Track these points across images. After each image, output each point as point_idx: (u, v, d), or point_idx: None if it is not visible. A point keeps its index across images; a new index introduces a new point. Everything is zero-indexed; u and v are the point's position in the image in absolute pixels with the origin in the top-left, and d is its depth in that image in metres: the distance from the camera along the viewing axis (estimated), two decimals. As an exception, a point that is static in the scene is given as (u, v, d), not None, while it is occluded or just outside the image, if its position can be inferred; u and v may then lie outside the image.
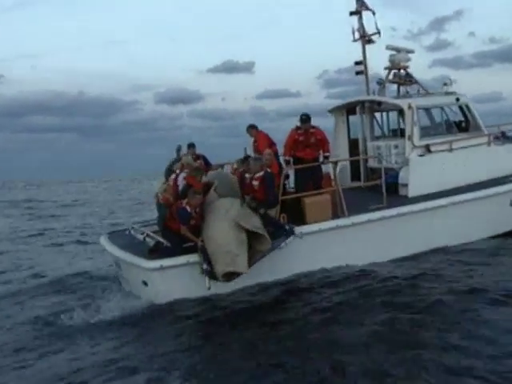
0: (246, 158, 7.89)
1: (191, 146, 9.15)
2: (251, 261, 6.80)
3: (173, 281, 6.87)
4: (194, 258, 6.94)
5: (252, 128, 8.32)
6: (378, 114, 10.51)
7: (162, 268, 6.87)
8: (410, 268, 7.52)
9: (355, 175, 10.21)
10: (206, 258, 6.68)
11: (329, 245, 7.52)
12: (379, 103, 9.98)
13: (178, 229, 6.92)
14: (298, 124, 7.96)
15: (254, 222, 6.84)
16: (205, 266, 6.63)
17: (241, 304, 6.61)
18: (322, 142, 7.93)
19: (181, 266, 6.93)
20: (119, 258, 7.40)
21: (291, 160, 7.94)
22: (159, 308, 6.72)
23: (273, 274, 7.16)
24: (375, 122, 10.50)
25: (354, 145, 10.47)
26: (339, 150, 10.32)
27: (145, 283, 7.00)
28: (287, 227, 7.07)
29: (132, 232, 8.35)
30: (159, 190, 7.43)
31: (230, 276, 6.68)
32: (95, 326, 6.43)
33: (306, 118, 7.92)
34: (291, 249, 7.15)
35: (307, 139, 7.88)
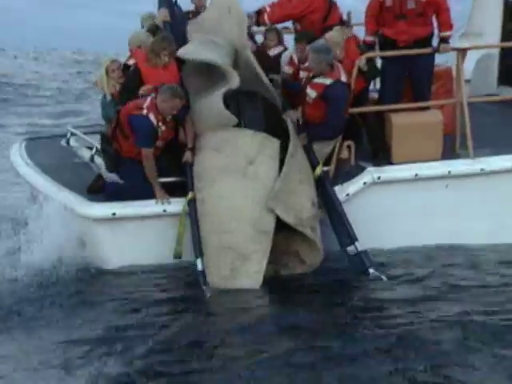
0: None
1: None
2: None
3: (132, 244, 5.55)
4: (174, 205, 5.53)
5: None
6: None
7: (114, 218, 5.52)
8: None
9: (509, 79, 8.04)
10: (198, 238, 5.25)
11: (430, 207, 5.92)
12: None
13: (131, 152, 5.43)
14: None
15: (303, 204, 5.28)
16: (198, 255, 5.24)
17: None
18: (432, 7, 5.90)
19: (151, 217, 5.54)
20: (38, 190, 6.11)
21: (376, 42, 6.16)
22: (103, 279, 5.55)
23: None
24: None
25: None
26: (481, 27, 8.13)
27: (81, 243, 5.67)
28: (356, 245, 5.40)
29: (71, 141, 7.01)
30: (102, 73, 6.13)
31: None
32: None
33: None
34: (358, 201, 5.74)
35: (401, 3, 5.82)
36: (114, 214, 5.43)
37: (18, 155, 6.80)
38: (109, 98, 6.08)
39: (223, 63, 5.54)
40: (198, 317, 4.91)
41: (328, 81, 5.57)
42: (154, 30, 6.30)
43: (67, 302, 5.21)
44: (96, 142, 6.37)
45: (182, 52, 5.70)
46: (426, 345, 4.37)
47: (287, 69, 6.14)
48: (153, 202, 5.47)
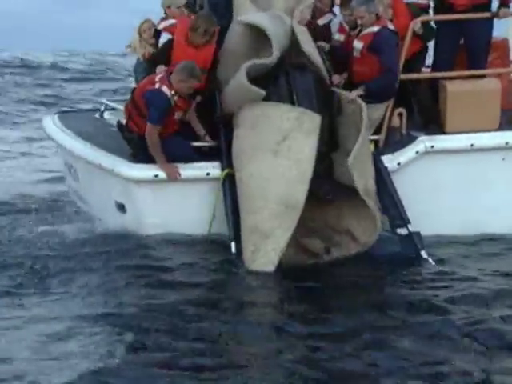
0: None
1: None
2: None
3: (172, 207, 5.42)
4: (218, 169, 5.45)
5: None
6: None
7: (155, 180, 5.38)
8: None
9: None
10: (232, 219, 5.16)
11: (485, 180, 5.72)
12: None
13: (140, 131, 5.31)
14: None
15: (369, 177, 5.19)
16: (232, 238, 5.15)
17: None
18: None
19: (194, 181, 5.42)
20: (74, 153, 5.99)
21: (430, 5, 5.95)
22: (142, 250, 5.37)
23: None
24: None
25: None
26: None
27: (121, 207, 5.57)
28: (408, 227, 5.27)
29: (106, 114, 6.94)
30: (134, 35, 5.98)
31: None
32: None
33: None
34: (410, 171, 5.52)
35: None
36: (156, 175, 5.28)
37: (52, 125, 6.69)
38: (141, 59, 5.93)
39: (275, 36, 5.23)
40: (227, 294, 4.74)
41: (375, 28, 5.38)
42: (191, 1, 6.10)
43: (99, 267, 5.06)
44: None
45: (242, 17, 5.44)
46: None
47: (338, 36, 5.86)
48: (196, 164, 5.32)
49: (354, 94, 5.26)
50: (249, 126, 5.27)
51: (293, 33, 5.43)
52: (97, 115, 7.16)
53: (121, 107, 6.70)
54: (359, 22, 5.47)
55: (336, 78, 5.56)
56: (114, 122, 6.63)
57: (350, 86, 5.55)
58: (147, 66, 5.78)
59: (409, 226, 5.26)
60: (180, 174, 5.26)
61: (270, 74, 5.38)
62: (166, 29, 5.87)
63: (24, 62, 21.36)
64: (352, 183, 5.01)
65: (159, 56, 5.61)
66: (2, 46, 22.21)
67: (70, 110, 8.08)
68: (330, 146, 5.32)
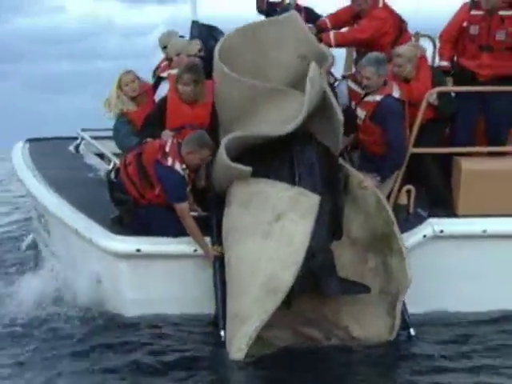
0: None
1: None
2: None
3: (155, 286, 5.08)
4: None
5: None
6: None
7: (137, 255, 5.01)
8: None
9: None
10: (221, 305, 4.81)
11: (498, 270, 5.37)
12: None
13: (153, 200, 4.97)
14: None
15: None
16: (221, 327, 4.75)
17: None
18: None
19: (180, 257, 5.07)
20: (48, 210, 5.58)
21: (450, 69, 5.75)
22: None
23: None
24: None
25: None
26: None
27: (98, 279, 5.20)
28: (410, 331, 4.90)
29: (82, 148, 6.80)
30: (113, 89, 5.45)
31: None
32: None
33: None
34: (416, 255, 5.11)
35: (489, 32, 5.33)
36: (138, 250, 4.90)
37: (22, 161, 6.31)
38: (119, 117, 5.40)
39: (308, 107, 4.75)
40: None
41: (378, 97, 5.05)
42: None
43: (70, 349, 4.64)
44: (108, 149, 5.99)
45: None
46: None
47: (353, 104, 5.33)
48: (183, 239, 4.91)
49: (369, 182, 4.91)
50: (241, 203, 4.85)
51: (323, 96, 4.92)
52: (71, 148, 6.89)
53: (96, 144, 6.39)
54: (364, 82, 5.08)
55: (344, 141, 5.19)
56: (91, 160, 6.37)
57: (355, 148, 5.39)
58: (143, 128, 5.19)
59: (411, 329, 4.84)
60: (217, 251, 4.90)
61: (272, 144, 4.88)
62: (170, 77, 5.39)
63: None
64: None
65: (155, 117, 5.15)
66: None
67: (41, 138, 7.47)
68: (333, 230, 4.88)
